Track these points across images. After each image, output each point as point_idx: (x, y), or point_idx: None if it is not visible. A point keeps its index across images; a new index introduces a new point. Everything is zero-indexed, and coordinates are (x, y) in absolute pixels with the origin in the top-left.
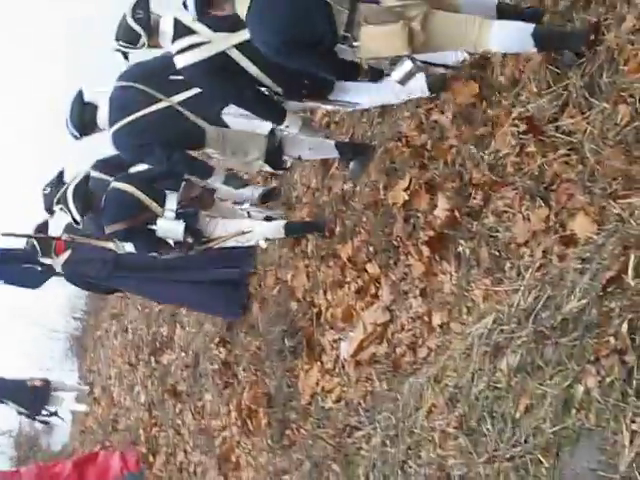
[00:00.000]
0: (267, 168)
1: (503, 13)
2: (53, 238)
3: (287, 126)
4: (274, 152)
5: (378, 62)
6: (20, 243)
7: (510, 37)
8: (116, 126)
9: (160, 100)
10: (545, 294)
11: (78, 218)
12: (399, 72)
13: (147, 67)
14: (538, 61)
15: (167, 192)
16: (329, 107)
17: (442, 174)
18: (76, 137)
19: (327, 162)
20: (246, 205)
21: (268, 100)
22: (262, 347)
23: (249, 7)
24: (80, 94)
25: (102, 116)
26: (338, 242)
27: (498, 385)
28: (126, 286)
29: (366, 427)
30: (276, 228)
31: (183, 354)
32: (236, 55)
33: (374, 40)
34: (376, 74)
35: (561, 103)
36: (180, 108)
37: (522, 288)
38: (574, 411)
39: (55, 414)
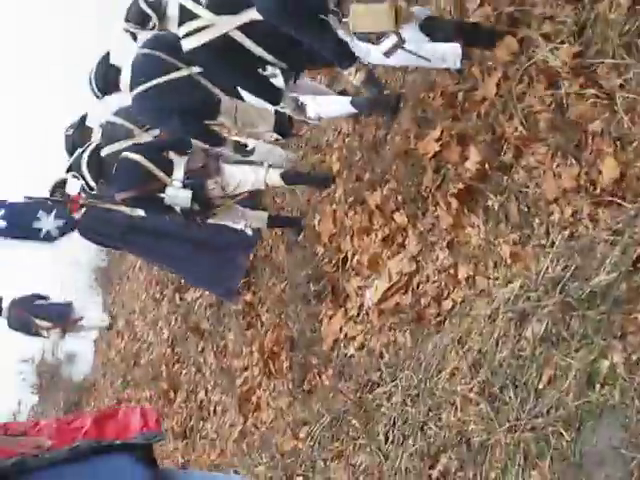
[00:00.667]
0: (277, 136)
1: None
2: (69, 197)
3: (282, 107)
4: (283, 124)
5: (365, 36)
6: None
7: None
8: (136, 90)
9: (180, 68)
10: (574, 264)
11: (92, 184)
12: (385, 45)
13: (168, 38)
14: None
15: (174, 161)
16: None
17: (474, 127)
18: (97, 96)
19: None
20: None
21: (267, 82)
22: (286, 290)
23: None
24: (107, 56)
25: (124, 79)
26: (367, 189)
27: (522, 353)
28: (134, 250)
29: (388, 384)
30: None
31: (207, 293)
32: (239, 36)
33: (363, 17)
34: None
35: (596, 61)
36: (198, 77)
37: (550, 255)
38: (598, 386)
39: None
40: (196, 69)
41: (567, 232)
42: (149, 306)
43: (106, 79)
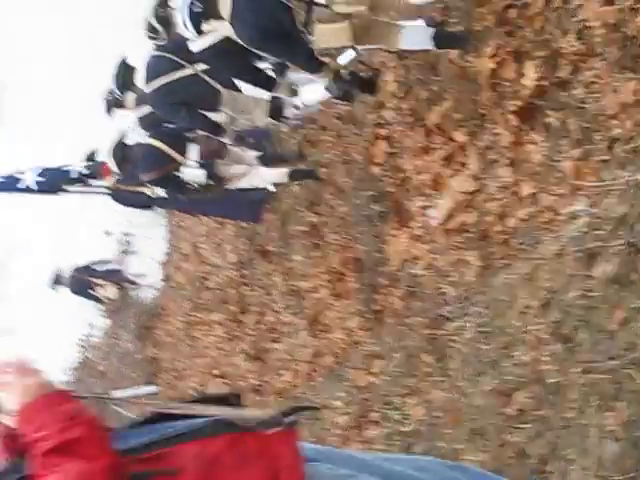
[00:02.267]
0: (272, 121)
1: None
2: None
3: (277, 93)
4: (276, 112)
5: (329, 50)
6: None
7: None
8: (151, 87)
9: (185, 67)
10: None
11: (116, 170)
12: (345, 58)
13: (176, 41)
14: None
15: (189, 145)
16: None
17: (529, 43)
18: (117, 94)
19: None
20: None
21: (262, 74)
22: (350, 212)
23: (231, 10)
24: (124, 59)
25: (139, 78)
26: (424, 108)
27: (592, 294)
28: (164, 205)
29: (458, 320)
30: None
31: (271, 215)
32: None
33: (325, 35)
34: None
35: None
36: (201, 74)
37: (617, 192)
38: None
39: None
40: (199, 67)
41: (629, 146)
42: (213, 229)
43: (125, 78)
